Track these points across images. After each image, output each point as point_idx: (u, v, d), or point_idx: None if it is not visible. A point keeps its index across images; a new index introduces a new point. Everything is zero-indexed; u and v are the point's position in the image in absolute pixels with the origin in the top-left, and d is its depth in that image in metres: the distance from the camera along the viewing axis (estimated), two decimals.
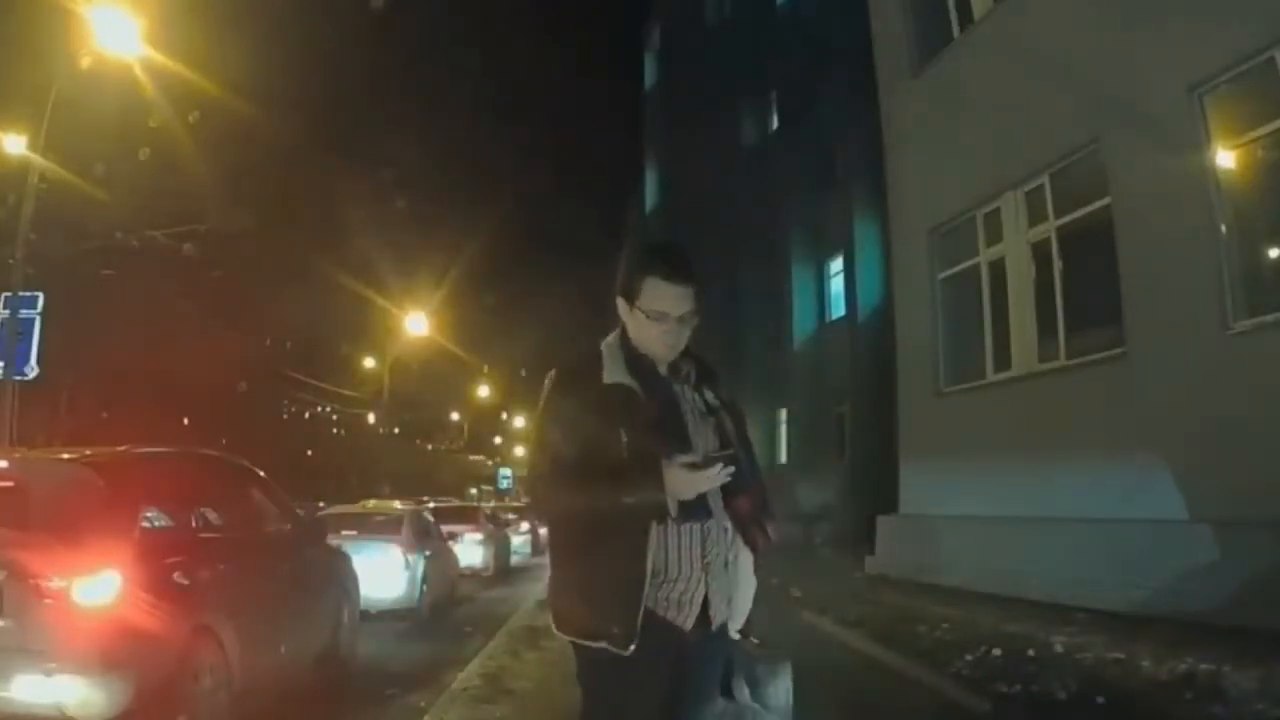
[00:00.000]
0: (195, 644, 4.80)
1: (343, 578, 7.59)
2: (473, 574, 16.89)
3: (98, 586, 4.32)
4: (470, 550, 17.43)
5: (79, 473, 4.96)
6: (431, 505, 18.71)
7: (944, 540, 10.92)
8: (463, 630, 9.67)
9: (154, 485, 5.18)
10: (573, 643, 2.34)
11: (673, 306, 2.33)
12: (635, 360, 2.36)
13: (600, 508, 2.24)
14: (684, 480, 2.19)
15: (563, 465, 2.27)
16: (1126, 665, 6.06)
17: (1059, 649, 6.68)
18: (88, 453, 5.36)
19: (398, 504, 14.81)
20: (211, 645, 4.94)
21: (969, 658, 6.73)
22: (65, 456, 5.33)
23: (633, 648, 2.22)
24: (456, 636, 9.33)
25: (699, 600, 2.33)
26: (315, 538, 7.27)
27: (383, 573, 9.84)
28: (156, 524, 5.01)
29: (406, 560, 10.48)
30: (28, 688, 4.22)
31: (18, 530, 4.48)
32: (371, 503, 15.98)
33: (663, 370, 2.42)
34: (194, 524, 5.47)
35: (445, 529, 15.18)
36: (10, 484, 4.80)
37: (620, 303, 2.39)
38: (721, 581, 2.36)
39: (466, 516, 19.13)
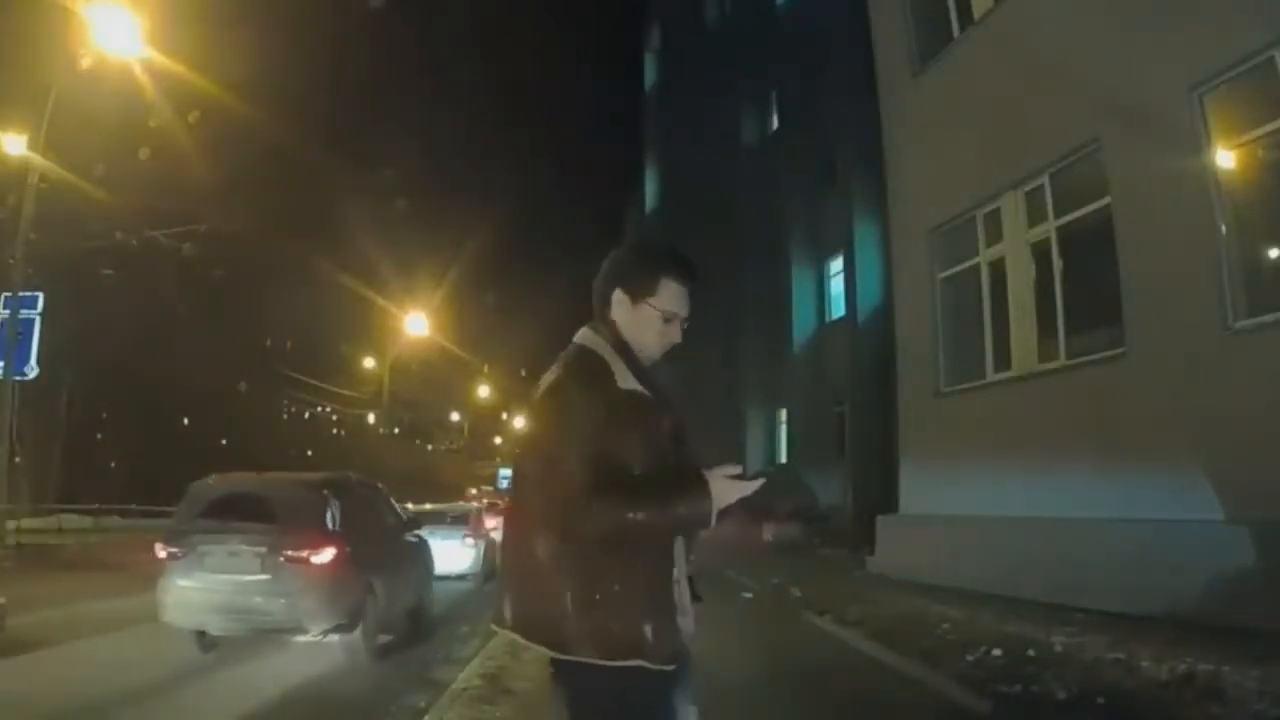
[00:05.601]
0: (366, 590, 7.95)
1: (426, 558, 10.54)
2: None
3: (321, 556, 7.56)
4: None
5: (307, 488, 8.33)
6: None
7: (944, 540, 10.91)
8: (462, 630, 9.68)
9: (344, 495, 8.33)
10: (575, 668, 2.11)
11: (683, 308, 2.28)
12: (636, 363, 2.24)
13: (651, 526, 2.08)
14: (726, 489, 2.12)
15: (600, 480, 2.05)
16: (1126, 665, 6.05)
17: (1059, 649, 6.68)
18: (310, 475, 9.13)
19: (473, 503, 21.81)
20: (371, 592, 8.04)
21: (970, 658, 6.74)
22: (297, 478, 9.03)
23: (672, 665, 2.12)
24: (456, 636, 9.34)
25: (689, 602, 2.26)
26: (410, 530, 10.25)
27: (458, 550, 14.96)
28: (347, 519, 8.08)
29: (474, 542, 15.54)
30: (281, 613, 7.44)
31: (272, 523, 7.68)
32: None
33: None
34: (361, 520, 8.49)
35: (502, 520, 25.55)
36: (265, 495, 8.09)
37: (620, 297, 2.27)
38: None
39: None
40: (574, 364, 2.22)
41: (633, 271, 2.28)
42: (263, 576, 7.43)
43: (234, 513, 7.76)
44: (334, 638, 7.65)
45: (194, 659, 7.67)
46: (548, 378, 2.23)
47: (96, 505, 30.79)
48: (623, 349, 2.24)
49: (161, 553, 7.80)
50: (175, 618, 7.72)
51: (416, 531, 10.54)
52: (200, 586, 7.51)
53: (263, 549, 7.48)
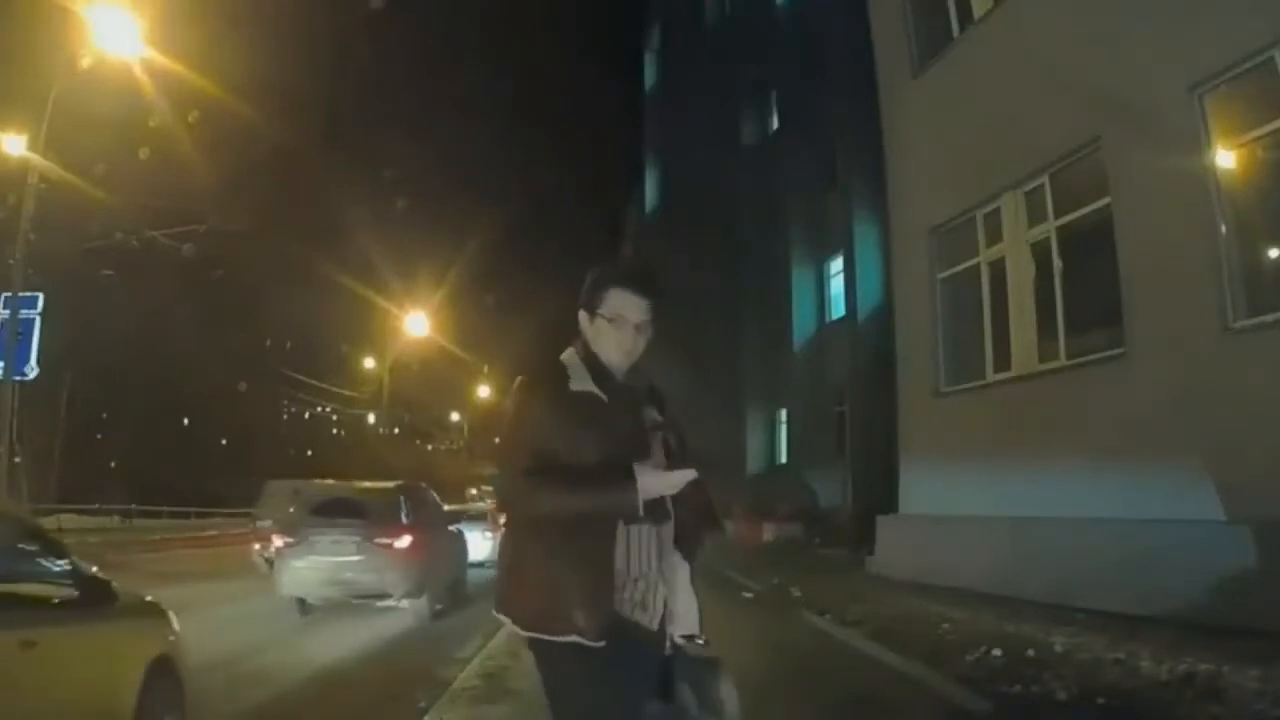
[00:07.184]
0: (429, 568, 10.74)
1: (463, 546, 13.55)
2: None
3: (402, 542, 10.35)
4: None
5: (386, 492, 11.52)
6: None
7: (944, 540, 10.91)
8: (462, 630, 9.70)
9: (411, 497, 11.42)
10: (536, 644, 2.39)
11: (631, 313, 2.49)
12: (598, 370, 2.48)
13: (576, 507, 2.34)
14: (653, 481, 2.34)
15: (539, 465, 2.35)
16: (1126, 665, 6.06)
17: (1059, 649, 6.68)
18: (387, 484, 12.27)
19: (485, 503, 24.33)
20: (431, 569, 10.83)
21: (970, 658, 6.73)
22: (378, 486, 12.22)
23: (602, 642, 2.30)
24: (456, 636, 9.35)
25: (661, 601, 2.47)
26: (451, 523, 13.38)
27: (480, 542, 16.93)
28: (416, 515, 11.07)
29: (492, 535, 17.68)
30: (371, 584, 10.18)
31: (365, 519, 10.59)
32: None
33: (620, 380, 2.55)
34: (423, 516, 11.37)
35: None
36: (357, 499, 11.28)
37: (582, 316, 2.53)
38: (671, 584, 2.52)
39: None
40: (535, 370, 2.54)
41: (587, 291, 2.54)
42: (358, 558, 10.19)
43: (335, 511, 10.90)
44: (405, 603, 10.40)
45: (202, 656, 7.69)
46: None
47: (96, 505, 30.81)
48: (590, 360, 2.50)
49: (279, 542, 10.70)
50: (289, 590, 10.44)
51: (456, 525, 13.63)
52: (310, 566, 10.26)
53: (358, 538, 10.28)
